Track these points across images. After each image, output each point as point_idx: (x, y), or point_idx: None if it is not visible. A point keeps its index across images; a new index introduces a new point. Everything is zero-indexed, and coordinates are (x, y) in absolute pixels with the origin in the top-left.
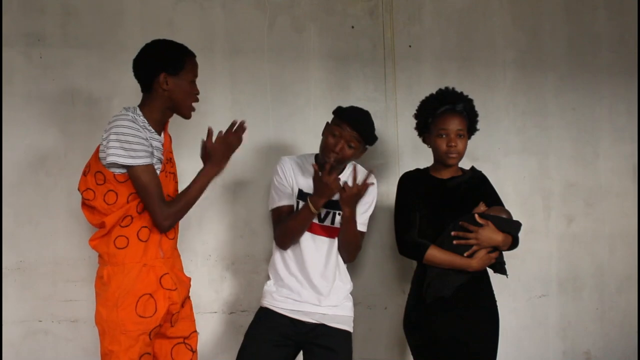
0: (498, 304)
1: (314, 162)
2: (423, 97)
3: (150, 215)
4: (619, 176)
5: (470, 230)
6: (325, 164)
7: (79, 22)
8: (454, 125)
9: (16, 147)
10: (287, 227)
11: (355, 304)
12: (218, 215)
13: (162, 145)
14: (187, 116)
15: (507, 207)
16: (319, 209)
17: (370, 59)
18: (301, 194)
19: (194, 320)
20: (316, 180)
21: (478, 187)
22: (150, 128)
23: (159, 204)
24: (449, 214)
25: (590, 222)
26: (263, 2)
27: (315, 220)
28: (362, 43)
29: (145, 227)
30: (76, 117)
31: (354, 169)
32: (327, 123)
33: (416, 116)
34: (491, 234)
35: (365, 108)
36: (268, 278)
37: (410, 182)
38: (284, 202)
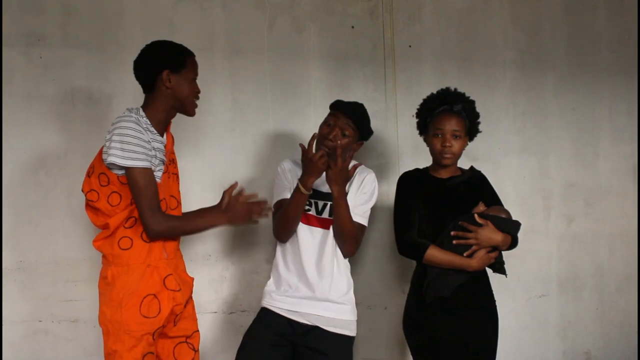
0: (498, 303)
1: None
2: (423, 97)
3: (140, 218)
4: (619, 176)
5: (470, 230)
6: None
7: (79, 22)
8: (450, 125)
9: (16, 147)
10: (282, 215)
11: (355, 304)
12: None
13: (165, 146)
14: (191, 113)
15: (507, 207)
16: (310, 189)
17: (370, 59)
18: None
19: (196, 320)
20: (303, 159)
21: (477, 187)
22: (152, 129)
23: (152, 209)
24: (448, 214)
25: (590, 222)
26: (263, 2)
27: (313, 213)
28: (362, 43)
29: None
30: (76, 117)
31: (340, 148)
32: (324, 119)
33: (417, 116)
34: (491, 234)
35: (365, 108)
36: (269, 278)
37: (410, 182)
38: (284, 196)
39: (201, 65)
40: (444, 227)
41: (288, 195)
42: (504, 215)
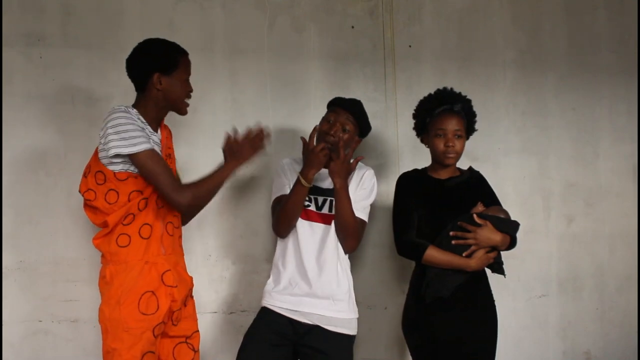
0: (498, 304)
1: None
2: (423, 97)
3: (165, 200)
4: (619, 176)
5: (469, 230)
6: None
7: (79, 22)
8: (452, 125)
9: (16, 147)
10: (281, 209)
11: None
12: (218, 215)
13: (160, 141)
14: (183, 113)
15: (507, 207)
16: (310, 182)
17: (370, 59)
18: None
19: (197, 320)
20: (304, 152)
21: (476, 187)
22: (143, 120)
23: (172, 184)
24: (447, 214)
25: (590, 222)
26: (263, 2)
27: (313, 208)
28: (362, 43)
29: (147, 224)
30: (76, 117)
31: (340, 143)
32: (323, 117)
33: (414, 116)
34: (490, 234)
35: (365, 108)
36: (269, 277)
37: (409, 182)
38: (283, 192)
39: (201, 65)
40: (443, 228)
41: (287, 192)
42: (502, 216)
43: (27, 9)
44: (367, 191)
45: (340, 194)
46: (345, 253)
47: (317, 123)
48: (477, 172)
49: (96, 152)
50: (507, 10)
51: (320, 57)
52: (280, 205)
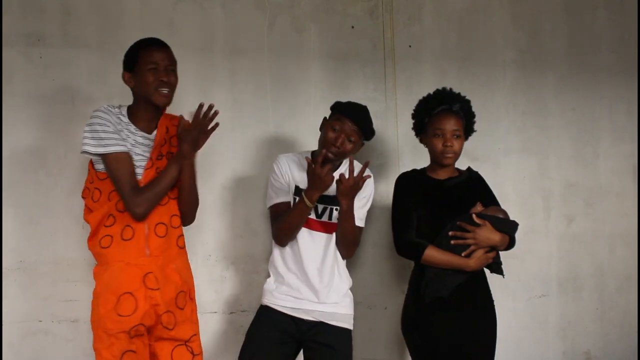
0: (498, 304)
1: (308, 157)
2: (422, 97)
3: (123, 204)
4: (619, 176)
5: (468, 230)
6: (318, 157)
7: (79, 22)
8: (450, 125)
9: (16, 147)
10: (283, 222)
11: (355, 304)
12: (218, 215)
13: (154, 140)
14: (158, 103)
15: (507, 207)
16: (314, 202)
17: (370, 59)
18: (298, 191)
19: (196, 323)
20: (310, 173)
21: (475, 187)
22: (127, 121)
23: (129, 192)
24: (446, 214)
25: (590, 222)
26: (263, 2)
27: (313, 216)
28: (362, 43)
29: (129, 226)
30: (76, 117)
31: (351, 162)
32: (325, 118)
33: (413, 116)
34: (489, 234)
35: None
36: (268, 276)
37: (408, 182)
38: (281, 199)
39: (201, 65)
40: (442, 228)
41: (285, 199)
42: (501, 216)
43: (27, 9)
44: (365, 199)
45: (346, 215)
46: (343, 259)
47: (317, 122)
48: (476, 173)
49: None
50: (507, 10)
51: (320, 57)
52: (280, 217)
